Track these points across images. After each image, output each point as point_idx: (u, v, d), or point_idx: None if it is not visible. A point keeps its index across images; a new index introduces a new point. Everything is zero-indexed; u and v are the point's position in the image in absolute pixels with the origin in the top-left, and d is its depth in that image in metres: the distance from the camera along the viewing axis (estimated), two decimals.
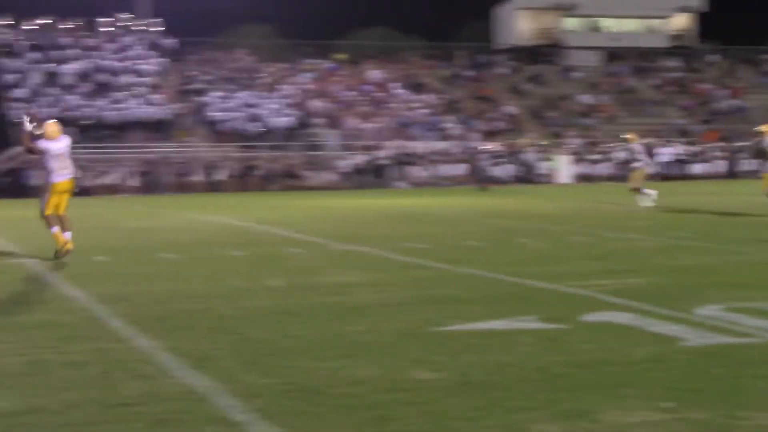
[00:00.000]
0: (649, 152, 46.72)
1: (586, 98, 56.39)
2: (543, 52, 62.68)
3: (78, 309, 8.98)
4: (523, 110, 54.52)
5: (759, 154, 22.01)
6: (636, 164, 24.04)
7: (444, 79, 56.85)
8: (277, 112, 48.63)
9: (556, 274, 10.77)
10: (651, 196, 23.47)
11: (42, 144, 13.77)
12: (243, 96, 49.58)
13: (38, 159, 14.19)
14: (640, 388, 5.72)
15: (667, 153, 47.59)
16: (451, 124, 50.94)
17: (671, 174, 46.43)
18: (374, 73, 55.26)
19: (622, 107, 56.47)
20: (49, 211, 13.70)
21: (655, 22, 66.78)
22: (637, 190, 23.88)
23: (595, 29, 65.74)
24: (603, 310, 8.35)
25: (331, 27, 69.21)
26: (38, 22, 51.22)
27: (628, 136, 24.87)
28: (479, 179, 38.97)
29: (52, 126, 13.99)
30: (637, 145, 24.18)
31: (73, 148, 14.08)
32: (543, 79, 58.49)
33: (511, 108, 54.18)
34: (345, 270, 11.63)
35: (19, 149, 14.75)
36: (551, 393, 5.63)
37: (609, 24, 66.25)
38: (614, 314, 8.12)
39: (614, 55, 63.35)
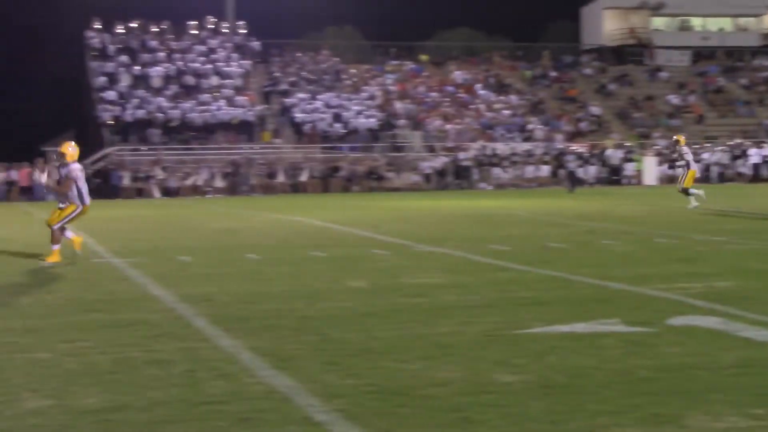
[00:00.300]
0: (742, 153, 46.08)
1: (674, 98, 55.48)
2: (630, 52, 61.80)
3: (163, 308, 9.12)
4: (608, 111, 53.89)
5: None
6: (685, 165, 24.53)
7: (528, 79, 56.46)
8: (360, 114, 48.82)
9: (641, 277, 10.61)
10: (700, 195, 24.10)
11: (75, 166, 13.62)
12: (327, 97, 49.88)
13: (70, 184, 13.61)
14: (728, 393, 5.60)
15: (757, 154, 46.59)
16: (534, 125, 50.58)
17: (761, 176, 45.49)
18: (458, 74, 55.13)
19: (710, 107, 55.46)
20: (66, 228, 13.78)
21: (747, 21, 65.44)
22: (686, 192, 24.36)
23: (685, 28, 64.63)
24: (689, 313, 8.20)
25: (415, 28, 69.20)
26: (128, 25, 52.22)
27: (677, 138, 25.74)
28: (569, 181, 38.52)
29: (74, 147, 13.83)
30: (685, 147, 24.97)
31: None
32: (629, 80, 57.69)
33: (596, 109, 53.57)
34: (427, 272, 11.62)
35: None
36: (636, 397, 5.54)
37: (699, 23, 65.10)
38: (701, 318, 7.96)
39: (703, 54, 62.19)
